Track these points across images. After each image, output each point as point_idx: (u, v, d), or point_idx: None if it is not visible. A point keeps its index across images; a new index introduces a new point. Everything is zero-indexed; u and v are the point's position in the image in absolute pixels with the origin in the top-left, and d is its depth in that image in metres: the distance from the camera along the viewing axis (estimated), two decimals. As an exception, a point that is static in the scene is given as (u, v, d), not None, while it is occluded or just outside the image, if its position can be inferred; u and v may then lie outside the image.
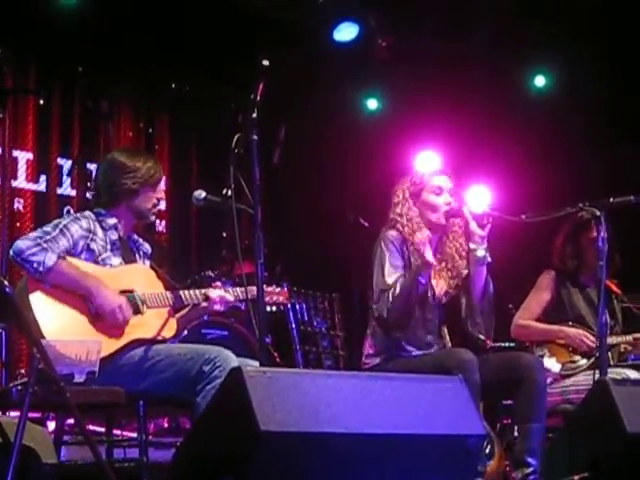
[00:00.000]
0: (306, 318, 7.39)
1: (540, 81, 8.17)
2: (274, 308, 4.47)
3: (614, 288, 5.34)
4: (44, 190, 7.52)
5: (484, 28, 7.69)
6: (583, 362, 5.21)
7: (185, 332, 4.39)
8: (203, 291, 4.25)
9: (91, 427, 5.13)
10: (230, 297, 4.26)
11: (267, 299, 4.23)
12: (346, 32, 7.66)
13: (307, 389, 3.21)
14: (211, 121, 7.77)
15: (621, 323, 5.38)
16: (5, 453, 3.10)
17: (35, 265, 3.93)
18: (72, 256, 4.06)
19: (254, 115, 3.83)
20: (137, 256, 4.35)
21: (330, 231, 7.98)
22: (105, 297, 3.99)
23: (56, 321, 3.93)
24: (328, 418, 3.15)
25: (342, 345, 7.57)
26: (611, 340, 5.15)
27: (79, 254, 4.10)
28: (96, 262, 4.13)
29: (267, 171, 5.59)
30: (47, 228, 4.08)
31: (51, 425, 4.86)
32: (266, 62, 3.86)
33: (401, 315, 4.46)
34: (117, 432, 4.97)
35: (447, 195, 4.63)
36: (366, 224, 7.15)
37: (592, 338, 5.14)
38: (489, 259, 4.57)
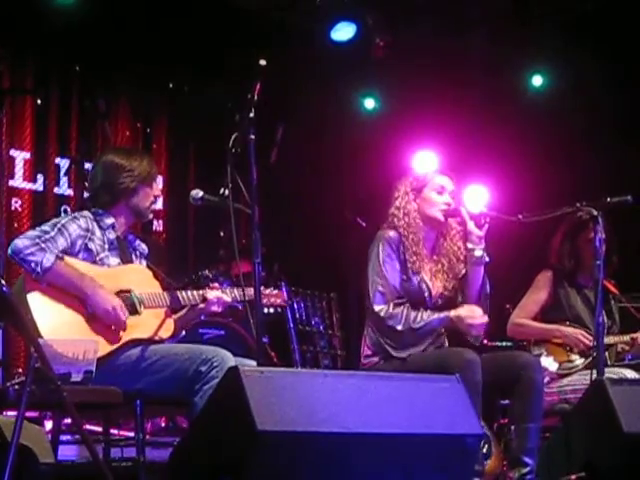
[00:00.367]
0: (304, 317, 7.38)
1: (538, 81, 8.16)
2: (271, 310, 4.46)
3: (611, 288, 5.34)
4: (41, 189, 7.49)
5: (482, 27, 7.70)
6: (580, 361, 5.21)
7: (183, 333, 4.38)
8: (201, 292, 4.24)
9: (88, 426, 5.12)
10: (227, 298, 4.24)
11: (264, 301, 4.22)
12: (343, 31, 7.65)
13: (304, 389, 3.22)
14: (209, 120, 7.76)
15: (618, 323, 5.37)
16: (2, 452, 3.10)
17: (33, 265, 3.92)
18: (70, 255, 4.06)
19: (251, 114, 3.84)
20: (134, 256, 4.34)
21: (328, 230, 7.98)
22: (100, 299, 3.97)
23: (53, 320, 3.92)
24: (325, 418, 3.15)
25: (340, 344, 7.57)
26: (608, 340, 5.14)
27: (77, 254, 4.10)
28: (94, 262, 4.12)
29: (264, 170, 5.56)
30: (45, 227, 4.07)
31: (48, 424, 4.86)
32: (263, 62, 3.86)
33: (412, 337, 4.48)
34: (114, 431, 4.97)
35: (448, 196, 4.63)
36: (364, 223, 7.15)
37: (589, 337, 5.14)
38: (487, 259, 4.57)
